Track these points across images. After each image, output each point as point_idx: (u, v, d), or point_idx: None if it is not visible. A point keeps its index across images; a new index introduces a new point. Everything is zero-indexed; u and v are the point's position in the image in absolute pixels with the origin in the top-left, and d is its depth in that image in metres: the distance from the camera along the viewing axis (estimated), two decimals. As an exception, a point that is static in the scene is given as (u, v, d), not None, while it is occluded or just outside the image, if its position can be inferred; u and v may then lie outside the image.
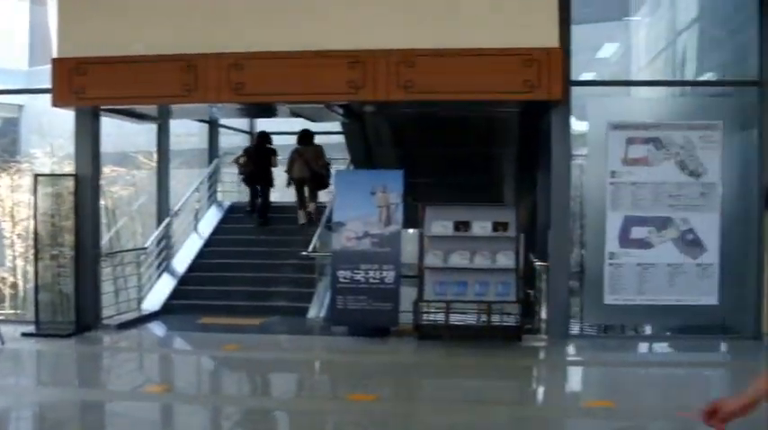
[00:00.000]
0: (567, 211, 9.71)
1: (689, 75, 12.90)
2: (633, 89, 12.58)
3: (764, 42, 9.54)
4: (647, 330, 10.46)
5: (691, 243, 9.44)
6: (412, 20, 9.37)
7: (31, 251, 11.96)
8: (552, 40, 9.24)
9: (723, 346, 9.77)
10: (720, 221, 9.45)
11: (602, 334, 10.23)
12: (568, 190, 9.68)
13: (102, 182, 12.18)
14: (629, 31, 16.65)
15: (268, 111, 12.71)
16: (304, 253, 11.75)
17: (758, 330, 9.44)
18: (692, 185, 9.43)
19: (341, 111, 11.80)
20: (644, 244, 9.42)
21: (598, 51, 16.44)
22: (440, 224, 9.79)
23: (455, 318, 9.71)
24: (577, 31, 9.99)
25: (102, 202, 11.60)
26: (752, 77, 9.75)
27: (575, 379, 8.96)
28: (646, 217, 9.42)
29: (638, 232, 9.42)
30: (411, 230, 10.49)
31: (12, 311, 18.81)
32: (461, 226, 9.78)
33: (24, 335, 9.84)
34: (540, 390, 8.61)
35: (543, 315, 9.85)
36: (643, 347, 10.00)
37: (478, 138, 12.16)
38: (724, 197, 9.47)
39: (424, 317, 9.72)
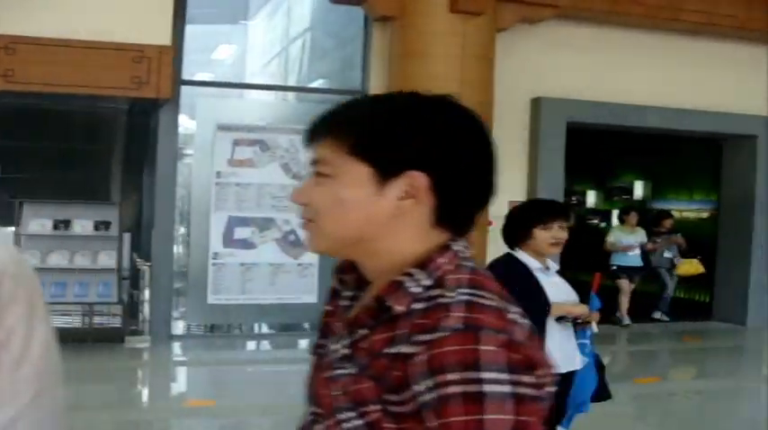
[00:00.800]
0: (172, 211, 9.65)
1: (299, 81, 13.33)
2: (247, 92, 12.74)
3: (367, 55, 10.12)
4: (252, 329, 10.65)
5: (292, 243, 9.76)
6: (15, 5, 8.80)
7: None
8: (165, 38, 9.13)
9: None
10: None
11: (208, 333, 10.27)
12: (174, 189, 9.62)
13: None
14: (245, 34, 16.86)
15: None
16: None
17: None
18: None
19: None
20: (248, 244, 9.60)
21: (213, 52, 16.51)
22: (38, 222, 9.29)
23: (55, 321, 9.25)
24: (193, 31, 9.96)
25: None
26: (355, 87, 10.29)
27: (177, 379, 8.91)
28: (250, 217, 9.61)
29: (241, 232, 9.58)
30: (7, 229, 9.87)
31: None
32: (61, 224, 9.36)
33: None
34: (144, 392, 8.48)
35: (147, 316, 9.69)
36: (247, 346, 10.17)
37: (85, 134, 11.73)
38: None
39: (21, 320, 9.18)
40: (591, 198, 17.23)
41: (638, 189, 15.83)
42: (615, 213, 16.40)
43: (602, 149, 15.75)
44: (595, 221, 17.04)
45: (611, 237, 11.74)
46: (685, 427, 7.25)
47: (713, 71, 11.62)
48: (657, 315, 12.03)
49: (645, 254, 11.76)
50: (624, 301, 11.57)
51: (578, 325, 3.84)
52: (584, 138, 12.52)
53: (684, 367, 10.31)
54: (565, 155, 10.80)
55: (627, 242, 11.61)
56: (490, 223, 9.14)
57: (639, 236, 11.72)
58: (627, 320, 11.49)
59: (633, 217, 11.84)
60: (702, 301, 12.78)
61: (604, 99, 10.85)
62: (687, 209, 13.57)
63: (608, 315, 11.49)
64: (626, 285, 11.56)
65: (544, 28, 10.47)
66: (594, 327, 3.89)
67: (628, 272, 11.60)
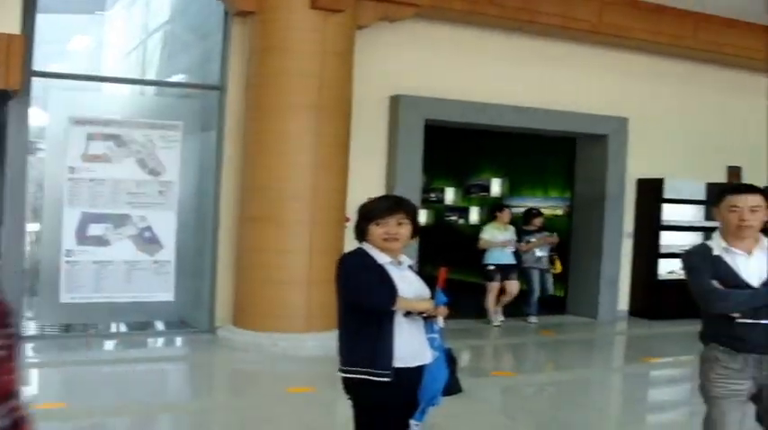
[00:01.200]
0: (23, 207, 9.26)
1: (157, 75, 13.06)
2: (103, 85, 12.40)
3: (226, 50, 9.98)
4: (109, 328, 10.37)
5: (148, 240, 9.59)
6: None
7: None
8: (14, 27, 8.79)
9: (180, 341, 10.03)
10: (177, 219, 9.74)
11: (64, 333, 9.95)
12: (24, 184, 9.24)
13: None
14: (102, 25, 16.42)
15: None
16: None
17: (212, 324, 9.86)
18: (151, 183, 9.58)
19: None
20: (102, 241, 9.38)
21: (68, 43, 16.02)
22: None
23: None
24: (46, 21, 9.62)
25: None
26: (214, 82, 10.14)
27: (28, 382, 8.59)
28: (104, 214, 9.38)
29: (95, 229, 9.34)
30: None
31: None
32: None
33: None
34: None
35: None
36: (103, 345, 9.90)
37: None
38: (181, 196, 9.77)
39: None
40: (450, 195, 17.46)
41: (496, 186, 16.13)
42: (474, 210, 16.71)
43: (460, 147, 16.02)
44: (454, 218, 17.30)
45: (486, 235, 11.62)
46: (539, 418, 7.44)
47: (567, 72, 12.00)
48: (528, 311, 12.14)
49: (516, 252, 11.79)
50: (491, 301, 11.57)
51: (426, 319, 3.88)
52: (444, 136, 12.72)
53: (540, 360, 10.57)
54: (424, 152, 10.93)
55: (503, 238, 11.57)
56: (347, 219, 9.21)
57: (510, 233, 11.70)
58: (497, 321, 11.55)
59: (506, 214, 11.76)
60: (557, 296, 13.12)
61: (463, 97, 11.05)
62: (543, 205, 13.90)
63: (476, 310, 11.72)
64: (496, 286, 11.52)
65: (404, 26, 10.58)
66: (441, 322, 3.93)
67: (503, 270, 11.52)
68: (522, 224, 12.13)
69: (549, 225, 12.60)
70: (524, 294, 12.05)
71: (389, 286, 3.80)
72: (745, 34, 12.58)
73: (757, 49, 12.76)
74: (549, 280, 12.21)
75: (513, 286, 11.60)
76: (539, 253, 11.94)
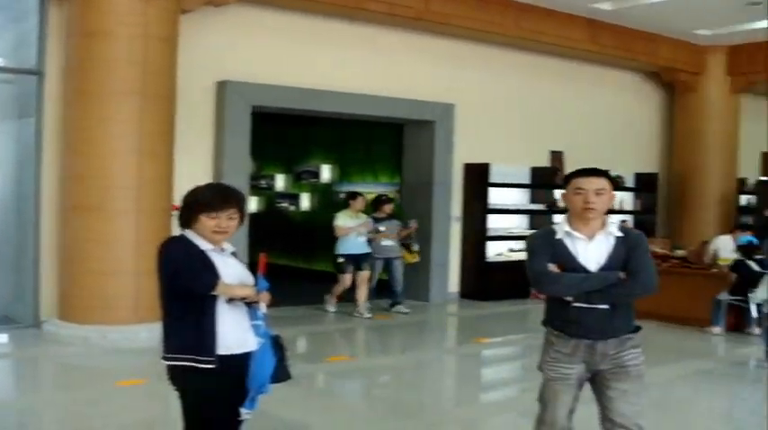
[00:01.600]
0: None
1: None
2: None
3: (43, 32, 9.59)
4: None
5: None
6: None
7: None
8: None
9: (3, 337, 9.59)
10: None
11: None
12: None
13: None
14: None
15: None
16: None
17: (37, 318, 9.49)
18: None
19: None
20: None
21: None
22: None
23: None
24: None
25: None
26: (31, 67, 9.71)
27: None
28: None
29: None
30: None
31: None
32: None
33: None
34: None
35: None
36: None
37: None
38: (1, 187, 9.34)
39: None
40: (280, 181, 17.37)
41: (326, 172, 16.15)
42: (305, 196, 16.67)
43: (290, 133, 15.98)
44: (285, 204, 17.23)
45: (339, 222, 11.29)
46: (376, 400, 7.53)
47: (395, 59, 12.17)
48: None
49: (370, 240, 11.49)
50: (337, 290, 11.49)
51: (249, 305, 3.85)
52: (274, 122, 12.63)
53: (375, 344, 10.66)
54: (252, 139, 10.83)
55: (354, 225, 11.29)
56: (175, 208, 9.01)
57: (363, 221, 11.41)
58: (366, 313, 11.37)
59: (360, 202, 11.44)
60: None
61: (289, 84, 11.02)
62: (373, 191, 14.01)
63: (309, 297, 11.67)
64: (348, 278, 11.33)
65: (230, 11, 10.47)
66: (264, 308, 3.90)
67: (355, 259, 11.30)
68: (371, 211, 11.85)
69: (399, 212, 12.51)
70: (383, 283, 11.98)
71: (211, 271, 3.75)
72: (565, 24, 13.08)
73: (577, 39, 13.32)
74: (399, 268, 11.86)
75: (363, 275, 11.38)
76: (384, 242, 11.68)
